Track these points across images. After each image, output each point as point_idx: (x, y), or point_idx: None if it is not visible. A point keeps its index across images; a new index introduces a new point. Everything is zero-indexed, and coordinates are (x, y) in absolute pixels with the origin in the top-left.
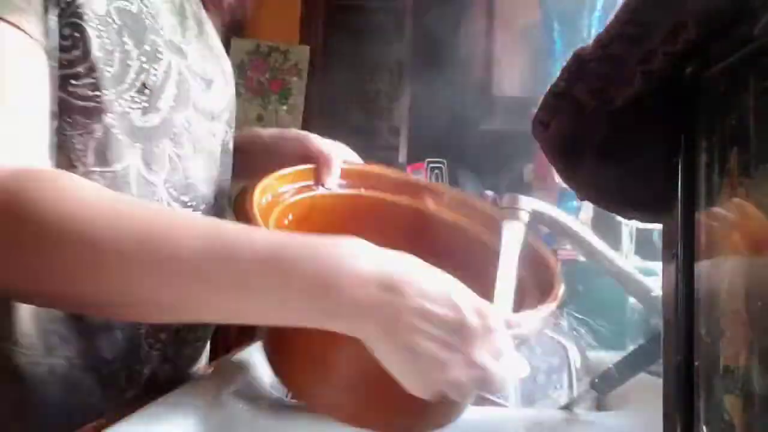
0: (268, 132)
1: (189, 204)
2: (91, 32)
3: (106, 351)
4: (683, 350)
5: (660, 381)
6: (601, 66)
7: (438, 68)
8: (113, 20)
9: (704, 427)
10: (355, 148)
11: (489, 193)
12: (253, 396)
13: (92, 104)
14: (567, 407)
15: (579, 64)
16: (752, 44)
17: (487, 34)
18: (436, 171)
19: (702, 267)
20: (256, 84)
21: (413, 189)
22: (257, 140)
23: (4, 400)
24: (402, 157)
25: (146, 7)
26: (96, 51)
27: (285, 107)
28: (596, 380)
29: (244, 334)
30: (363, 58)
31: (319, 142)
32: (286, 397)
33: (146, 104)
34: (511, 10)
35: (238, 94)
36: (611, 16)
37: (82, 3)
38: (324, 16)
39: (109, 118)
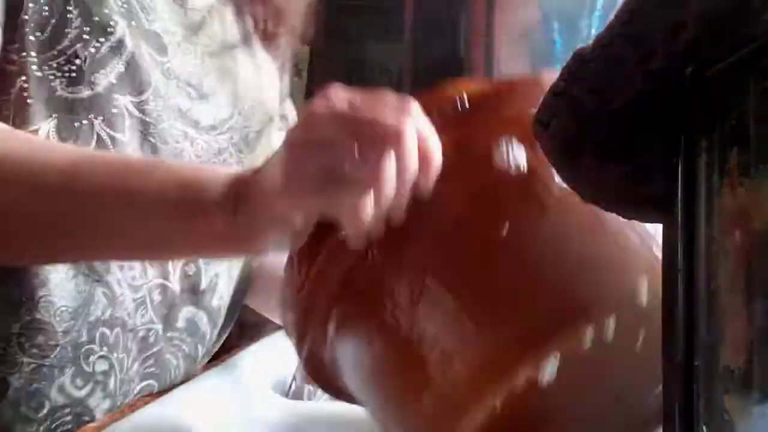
0: None
1: None
2: None
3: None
4: (683, 350)
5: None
6: (601, 66)
7: (438, 68)
8: None
9: (704, 428)
10: None
11: None
12: (253, 396)
13: (11, 67)
14: None
15: (579, 64)
16: (753, 44)
17: (487, 34)
18: None
19: (702, 266)
20: None
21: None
22: None
23: None
24: None
25: None
26: (24, 15)
27: None
28: None
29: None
30: (363, 59)
31: None
32: (287, 396)
33: (74, 75)
34: (511, 10)
35: None
36: (611, 16)
37: None
38: (324, 15)
39: (21, 81)
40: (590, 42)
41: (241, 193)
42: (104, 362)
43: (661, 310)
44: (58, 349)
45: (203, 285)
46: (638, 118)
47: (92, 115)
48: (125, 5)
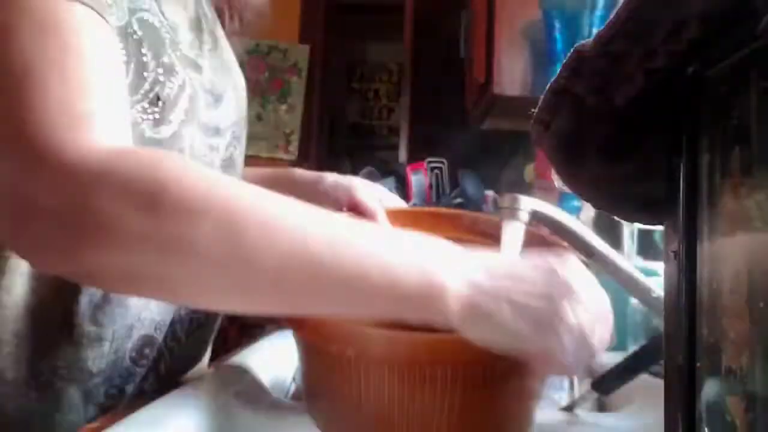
0: (327, 179)
1: None
2: None
3: (90, 364)
4: (685, 351)
5: (662, 382)
6: (602, 63)
7: (438, 68)
8: (134, 31)
9: (706, 429)
10: (355, 148)
11: (489, 193)
12: (254, 396)
13: None
14: (568, 408)
15: (579, 61)
16: (754, 43)
17: (487, 34)
18: (436, 171)
19: (704, 267)
20: (255, 83)
21: (469, 225)
22: (302, 181)
23: None
24: (402, 157)
25: (166, 20)
26: None
27: (284, 106)
28: (598, 381)
29: (245, 334)
30: (363, 58)
31: (363, 193)
32: (286, 397)
33: (158, 116)
34: (511, 10)
35: None
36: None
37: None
38: (324, 15)
39: None
40: (590, 39)
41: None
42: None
43: (664, 311)
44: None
45: None
46: (640, 117)
47: (174, 153)
48: (168, 35)
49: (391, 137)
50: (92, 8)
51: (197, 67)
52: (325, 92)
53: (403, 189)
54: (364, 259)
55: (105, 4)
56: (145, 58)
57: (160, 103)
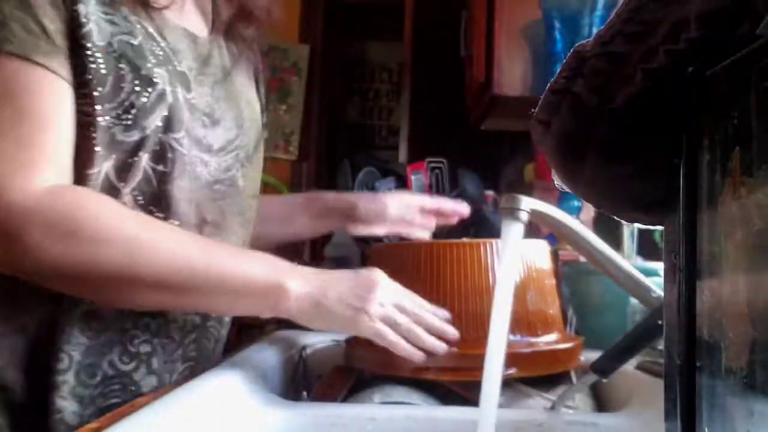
0: (360, 205)
1: (156, 214)
2: (87, 60)
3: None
4: (684, 351)
5: (661, 382)
6: (602, 63)
7: (438, 68)
8: (114, 49)
9: (706, 429)
10: (355, 147)
11: (489, 193)
12: (253, 396)
13: (85, 119)
14: (552, 407)
15: (579, 61)
16: (754, 43)
17: (486, 34)
18: (436, 171)
19: (703, 267)
20: None
21: None
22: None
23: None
24: (402, 157)
25: (168, 43)
26: (88, 75)
27: (284, 106)
28: (596, 363)
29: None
30: (363, 58)
31: (395, 213)
32: (286, 397)
33: (131, 122)
34: (511, 10)
35: None
36: (612, 15)
37: (85, 35)
38: (324, 15)
39: (92, 131)
40: (590, 39)
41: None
42: (147, 345)
43: (664, 311)
44: (108, 332)
45: None
46: (639, 117)
47: (141, 153)
48: (161, 53)
49: (391, 137)
50: (46, 68)
51: (188, 87)
52: (325, 92)
53: (403, 189)
54: (228, 268)
55: (59, 54)
56: (122, 71)
57: (133, 111)
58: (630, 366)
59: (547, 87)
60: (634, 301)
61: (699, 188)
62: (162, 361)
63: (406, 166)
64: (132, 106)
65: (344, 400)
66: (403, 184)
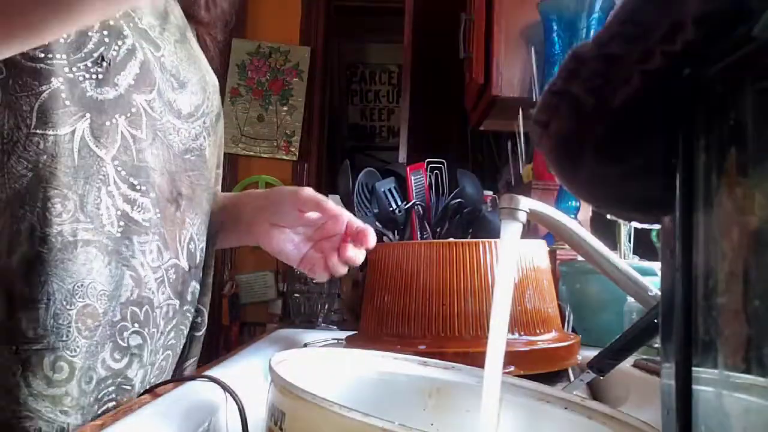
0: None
1: (138, 187)
2: None
3: (25, 326)
4: (681, 350)
5: (658, 379)
6: (599, 65)
7: (438, 69)
8: None
9: (702, 427)
10: (355, 148)
11: (488, 193)
12: (253, 396)
13: (41, 65)
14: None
15: (577, 63)
16: (751, 44)
17: (485, 36)
18: (436, 171)
19: (700, 266)
20: (256, 84)
21: None
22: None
23: None
24: (402, 157)
25: None
26: None
27: (285, 108)
28: (594, 361)
29: (244, 334)
30: (363, 60)
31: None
32: None
33: (101, 77)
34: (509, 12)
35: (239, 94)
36: (610, 17)
37: None
38: (324, 17)
39: (57, 82)
40: (588, 41)
41: None
42: (138, 337)
43: (660, 310)
44: (100, 328)
45: (198, 259)
46: (637, 117)
47: (117, 115)
48: (130, 12)
49: (391, 138)
50: None
51: (155, 45)
52: (326, 93)
53: (403, 189)
54: None
55: None
56: None
57: (104, 64)
58: (627, 364)
59: (546, 88)
60: (631, 299)
61: (695, 188)
62: (149, 351)
63: (406, 167)
64: (102, 58)
65: None
66: (402, 184)
